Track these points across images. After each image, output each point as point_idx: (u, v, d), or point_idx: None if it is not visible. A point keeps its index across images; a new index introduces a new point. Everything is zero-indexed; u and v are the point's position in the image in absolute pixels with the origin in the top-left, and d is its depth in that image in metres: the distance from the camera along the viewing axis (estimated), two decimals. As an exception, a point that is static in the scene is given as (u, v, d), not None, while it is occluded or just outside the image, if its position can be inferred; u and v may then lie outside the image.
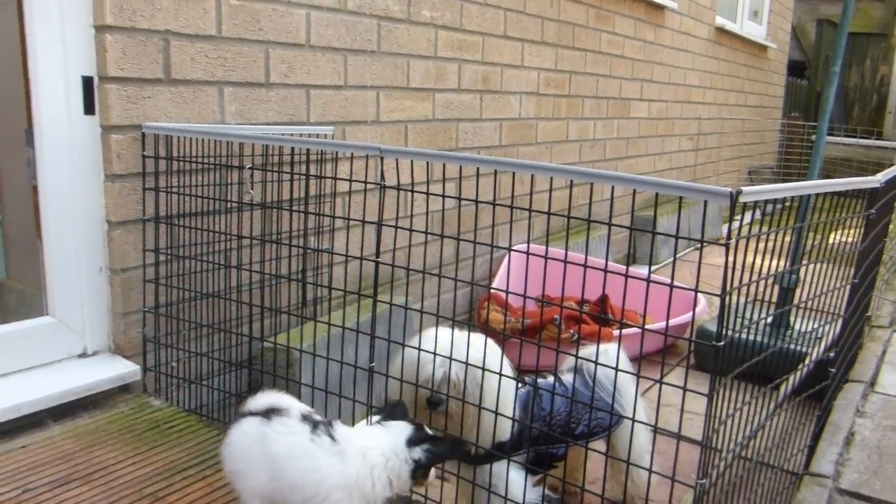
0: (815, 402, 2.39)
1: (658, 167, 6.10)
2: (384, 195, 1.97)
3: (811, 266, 2.02)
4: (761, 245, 1.71)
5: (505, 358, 1.91)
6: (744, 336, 1.65)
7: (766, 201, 1.57)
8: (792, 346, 2.58)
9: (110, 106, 2.24)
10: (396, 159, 1.91)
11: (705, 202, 1.49)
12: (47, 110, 2.21)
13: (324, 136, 2.85)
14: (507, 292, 1.79)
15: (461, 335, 1.89)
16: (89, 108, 2.26)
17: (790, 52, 9.78)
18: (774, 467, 2.04)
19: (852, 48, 11.54)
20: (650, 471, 1.65)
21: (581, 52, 4.70)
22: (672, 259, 5.61)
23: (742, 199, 1.44)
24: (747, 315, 1.77)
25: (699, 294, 1.57)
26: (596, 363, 1.75)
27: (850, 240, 2.25)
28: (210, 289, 2.48)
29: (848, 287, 2.31)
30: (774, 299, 3.43)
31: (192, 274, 2.46)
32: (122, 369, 2.31)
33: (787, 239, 3.30)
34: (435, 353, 1.88)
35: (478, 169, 1.78)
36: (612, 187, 1.63)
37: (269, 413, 1.58)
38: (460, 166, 1.83)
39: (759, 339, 1.75)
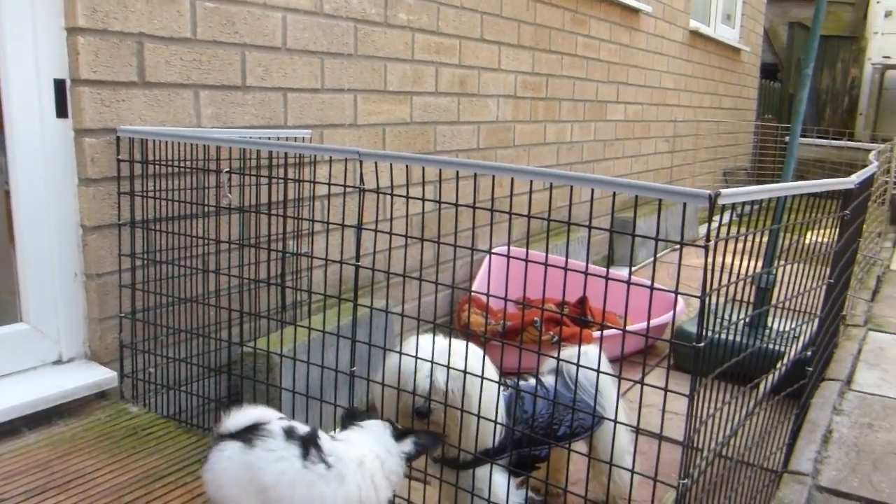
0: (793, 401, 2.42)
1: (635, 169, 6.15)
2: (363, 199, 1.96)
3: (788, 266, 2.04)
4: (738, 246, 1.72)
5: (489, 363, 1.91)
6: (722, 336, 1.66)
7: (742, 203, 1.58)
8: (770, 346, 2.60)
9: (83, 109, 2.21)
10: (375, 163, 1.90)
11: (684, 204, 1.51)
12: (19, 114, 2.18)
13: (301, 139, 2.83)
14: (487, 295, 1.79)
15: (444, 343, 1.89)
16: (62, 112, 2.23)
17: (763, 55, 9.90)
18: (754, 466, 2.06)
19: (824, 51, 11.72)
20: (632, 471, 1.66)
21: (557, 56, 4.72)
22: (649, 260, 5.65)
23: (721, 202, 1.45)
24: (725, 315, 1.78)
25: (675, 295, 1.58)
26: (578, 365, 1.75)
27: (824, 240, 2.28)
28: (188, 293, 2.45)
29: (824, 287, 2.33)
30: (751, 299, 3.47)
31: (169, 279, 2.43)
32: (99, 376, 2.28)
33: (764, 240, 3.34)
34: (427, 362, 1.87)
35: (457, 172, 1.78)
36: (592, 190, 1.64)
37: (249, 435, 1.48)
38: (440, 169, 1.83)
39: (737, 339, 1.76)
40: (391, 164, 1.91)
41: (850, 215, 2.41)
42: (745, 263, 1.73)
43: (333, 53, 3.03)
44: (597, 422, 2.13)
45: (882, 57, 11.53)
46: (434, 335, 1.91)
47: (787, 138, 3.89)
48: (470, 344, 1.87)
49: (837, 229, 2.31)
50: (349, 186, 2.84)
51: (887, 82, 11.75)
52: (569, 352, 2.08)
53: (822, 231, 2.23)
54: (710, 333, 1.54)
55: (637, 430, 1.62)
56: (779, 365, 2.29)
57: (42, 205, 2.24)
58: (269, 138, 2.63)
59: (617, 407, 1.73)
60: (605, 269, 1.68)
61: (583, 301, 3.61)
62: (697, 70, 7.21)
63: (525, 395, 2.03)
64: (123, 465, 1.94)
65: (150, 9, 2.33)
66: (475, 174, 1.75)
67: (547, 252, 1.66)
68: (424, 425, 1.91)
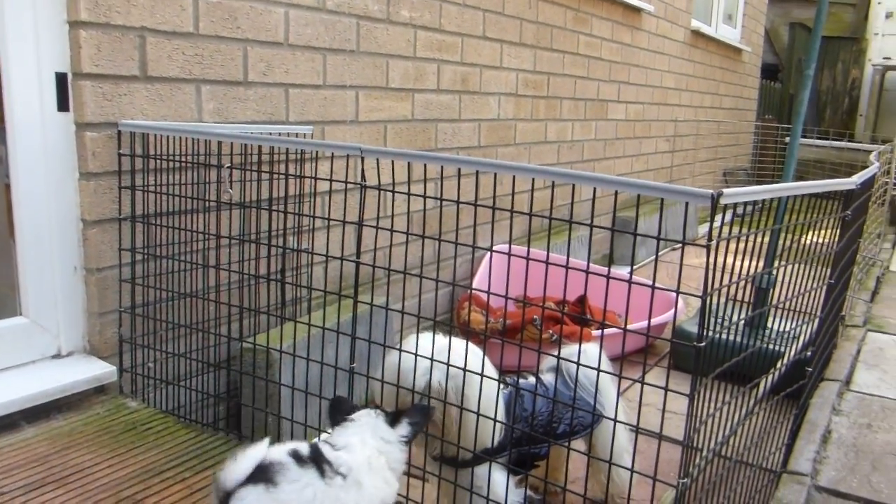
0: (792, 401, 2.42)
1: (635, 168, 6.15)
2: (365, 195, 1.96)
3: (788, 267, 2.04)
4: (738, 246, 1.72)
5: (488, 362, 1.91)
6: (722, 336, 1.66)
7: (744, 203, 1.58)
8: (769, 346, 2.60)
9: (85, 103, 2.21)
10: (377, 159, 1.90)
11: (686, 204, 1.50)
12: (20, 107, 2.17)
13: (303, 135, 2.83)
14: (488, 293, 1.79)
15: (444, 341, 1.88)
16: (63, 105, 2.23)
17: (763, 56, 9.90)
18: (752, 465, 2.06)
19: (824, 52, 11.71)
20: (632, 470, 1.66)
21: (559, 54, 4.72)
22: (648, 259, 5.65)
23: (723, 201, 1.45)
24: (724, 315, 1.78)
25: (674, 297, 1.58)
26: (578, 363, 1.75)
27: (824, 241, 2.28)
28: (188, 289, 2.45)
29: (824, 287, 2.33)
30: (751, 299, 3.46)
31: (169, 274, 2.43)
32: (98, 370, 2.27)
33: (765, 240, 3.33)
34: (425, 360, 1.86)
35: (459, 170, 1.78)
36: (594, 189, 1.64)
37: (265, 475, 1.42)
38: (441, 167, 1.83)
39: (737, 339, 1.76)
40: (392, 161, 1.91)
41: (851, 216, 2.41)
42: (745, 264, 1.73)
43: (335, 50, 3.03)
44: (596, 420, 2.13)
45: (883, 58, 11.52)
46: (434, 333, 1.91)
47: (787, 139, 3.89)
48: (469, 343, 1.87)
49: (838, 230, 2.31)
50: (350, 183, 2.83)
51: (888, 83, 11.74)
52: (569, 350, 2.08)
53: (822, 232, 2.23)
54: (710, 333, 1.54)
55: (637, 429, 1.62)
56: (778, 365, 2.29)
57: (42, 199, 2.23)
58: (270, 134, 2.63)
59: (617, 405, 1.73)
60: (605, 268, 1.67)
61: (583, 300, 3.61)
62: (698, 70, 7.21)
63: (525, 393, 2.03)
64: (122, 460, 1.94)
65: (152, 3, 2.33)
66: (476, 172, 1.75)
67: (548, 250, 1.66)
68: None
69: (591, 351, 2.01)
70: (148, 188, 2.34)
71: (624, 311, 1.62)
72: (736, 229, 1.68)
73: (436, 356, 1.83)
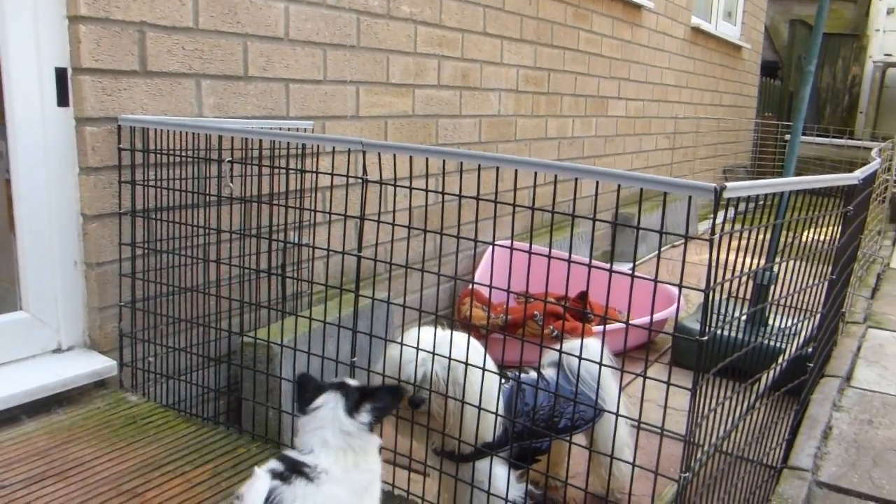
0: (791, 398, 2.41)
1: (636, 165, 6.14)
2: (366, 189, 1.95)
3: (789, 263, 2.04)
4: (738, 243, 1.72)
5: (488, 356, 1.90)
6: (723, 332, 1.65)
7: (742, 199, 1.57)
8: (770, 343, 2.60)
9: (84, 98, 2.20)
10: (378, 153, 1.89)
11: (690, 197, 1.50)
12: (20, 102, 2.17)
13: (303, 130, 2.82)
14: (490, 286, 1.79)
15: (444, 334, 1.88)
16: (63, 100, 2.22)
17: (763, 53, 9.89)
18: (753, 461, 2.05)
19: (825, 48, 11.70)
20: (633, 464, 1.66)
21: (559, 50, 4.71)
22: (650, 256, 5.64)
23: (726, 195, 1.45)
24: (725, 312, 1.78)
25: (676, 291, 1.58)
26: (580, 357, 1.75)
27: (824, 238, 2.27)
28: (188, 283, 2.45)
29: (826, 283, 2.33)
30: (752, 296, 3.46)
31: (169, 268, 2.43)
32: (98, 364, 2.27)
33: (766, 236, 3.33)
34: (418, 352, 1.86)
35: (461, 164, 1.77)
36: (597, 182, 1.64)
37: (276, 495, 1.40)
38: (443, 161, 1.82)
39: (738, 336, 1.76)
40: (394, 157, 1.90)
41: (853, 211, 2.40)
42: (746, 261, 1.73)
43: (336, 45, 3.02)
44: (597, 415, 2.13)
45: (883, 55, 11.51)
46: (435, 327, 1.91)
47: (787, 136, 3.88)
48: (466, 336, 1.87)
49: (840, 225, 2.31)
50: (352, 177, 2.83)
51: (888, 80, 11.73)
52: (570, 345, 2.08)
53: (823, 229, 2.23)
54: (711, 329, 1.54)
55: (639, 423, 1.62)
56: (779, 360, 2.28)
57: (42, 193, 2.23)
58: (270, 129, 2.62)
59: (619, 399, 1.73)
60: (606, 264, 1.67)
61: (584, 295, 3.61)
62: (698, 67, 7.20)
63: (526, 387, 2.03)
64: (122, 454, 1.94)
65: (152, -3, 2.32)
66: (479, 166, 1.75)
67: (550, 245, 1.66)
68: (421, 415, 1.91)
69: (592, 346, 2.01)
70: (148, 183, 2.33)
71: (625, 308, 1.62)
72: (737, 226, 1.68)
73: (436, 348, 1.83)
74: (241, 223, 2.59)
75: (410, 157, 1.84)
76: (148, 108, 2.36)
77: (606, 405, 2.11)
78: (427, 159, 1.84)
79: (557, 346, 2.13)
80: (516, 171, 1.71)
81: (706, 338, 1.48)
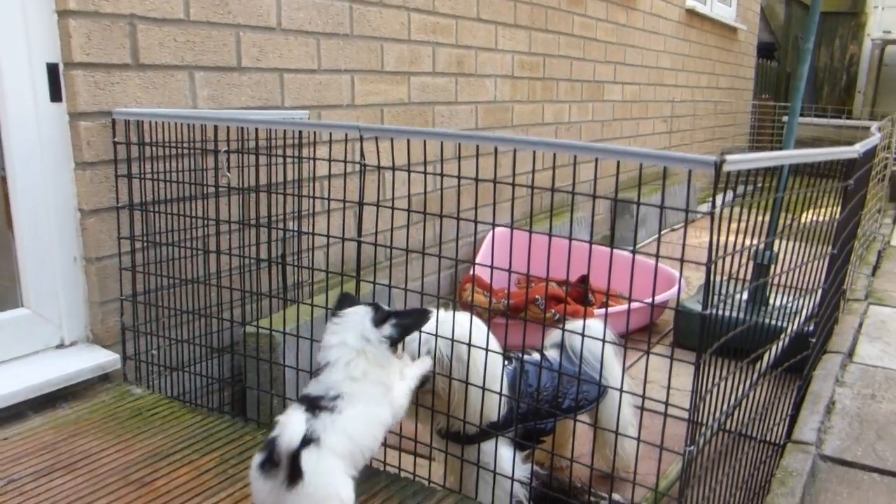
0: (793, 376, 2.42)
1: (633, 149, 6.12)
2: (364, 175, 1.95)
3: (788, 242, 2.03)
4: (738, 225, 1.72)
5: (491, 336, 1.91)
6: (724, 312, 1.65)
7: (741, 177, 1.57)
8: (771, 322, 2.60)
9: (77, 93, 2.20)
10: (376, 139, 1.89)
11: (689, 172, 1.50)
12: (12, 99, 2.16)
13: (299, 119, 2.81)
14: (491, 267, 1.78)
15: (447, 315, 1.88)
16: (56, 96, 2.21)
17: (759, 34, 9.86)
18: (755, 439, 2.06)
19: (822, 27, 11.66)
20: (638, 440, 1.66)
21: (554, 35, 4.69)
22: (650, 239, 5.64)
23: (726, 168, 1.44)
24: (726, 292, 1.78)
25: (676, 275, 1.57)
26: (583, 335, 1.75)
27: (823, 219, 2.27)
28: (189, 275, 2.45)
29: (826, 259, 2.33)
30: (752, 276, 3.46)
31: (169, 261, 2.42)
32: (102, 359, 2.27)
33: (766, 217, 3.32)
34: (420, 332, 1.86)
35: (458, 145, 1.77)
36: (596, 161, 1.63)
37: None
38: (441, 145, 1.82)
39: (738, 315, 1.76)
40: (392, 143, 1.90)
41: (854, 186, 2.40)
42: (746, 241, 1.72)
43: (329, 34, 3.01)
44: (601, 394, 2.13)
45: (882, 32, 11.46)
46: (437, 308, 1.91)
47: (784, 118, 3.87)
48: (468, 315, 1.87)
49: (840, 200, 2.30)
50: (350, 162, 2.82)
51: (887, 58, 11.69)
52: (572, 325, 2.07)
53: (820, 209, 2.22)
54: (713, 308, 1.53)
55: (643, 399, 1.62)
56: (781, 337, 2.28)
57: (39, 189, 2.22)
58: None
59: (623, 378, 1.73)
60: (607, 247, 1.67)
61: (585, 279, 3.61)
62: (694, 49, 7.18)
63: (529, 368, 2.03)
64: (129, 445, 1.94)
65: (143, -11, 2.31)
66: (477, 147, 1.74)
67: (550, 228, 1.65)
68: (425, 396, 1.91)
69: (594, 326, 2.01)
70: (144, 176, 2.33)
71: (626, 291, 1.61)
72: (737, 211, 1.68)
73: (440, 329, 1.83)
74: (240, 214, 2.59)
75: (408, 141, 1.84)
76: (142, 101, 2.35)
77: (610, 384, 2.11)
78: (425, 142, 1.83)
79: (560, 328, 2.13)
80: (514, 151, 1.70)
81: (709, 311, 1.47)
